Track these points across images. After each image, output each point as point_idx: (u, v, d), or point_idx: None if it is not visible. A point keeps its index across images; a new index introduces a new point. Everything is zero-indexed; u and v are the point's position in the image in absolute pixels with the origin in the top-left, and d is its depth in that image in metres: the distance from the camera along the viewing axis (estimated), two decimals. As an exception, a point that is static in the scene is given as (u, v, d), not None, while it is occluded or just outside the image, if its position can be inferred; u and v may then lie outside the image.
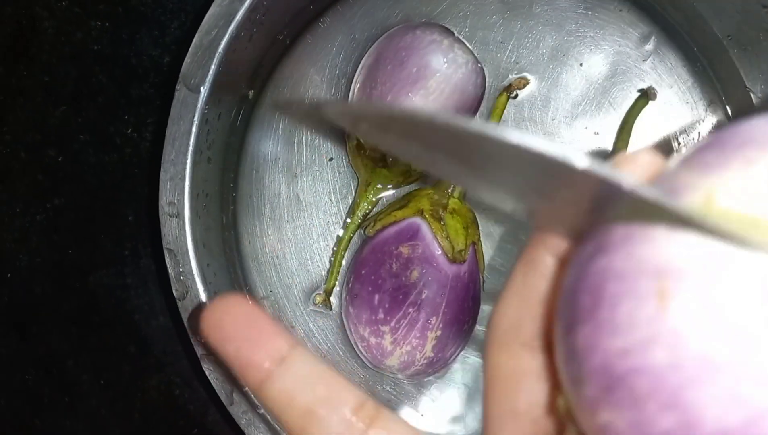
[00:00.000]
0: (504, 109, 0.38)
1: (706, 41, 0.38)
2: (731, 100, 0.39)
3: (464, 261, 0.37)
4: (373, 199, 0.39)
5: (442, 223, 0.37)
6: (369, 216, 0.39)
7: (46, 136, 0.42)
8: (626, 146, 0.39)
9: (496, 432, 0.19)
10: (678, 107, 0.39)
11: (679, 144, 0.40)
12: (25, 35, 0.42)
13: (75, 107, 0.42)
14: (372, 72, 0.37)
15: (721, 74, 0.39)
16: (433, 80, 0.36)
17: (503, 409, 0.19)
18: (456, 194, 0.38)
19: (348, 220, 0.40)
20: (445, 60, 0.36)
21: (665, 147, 0.39)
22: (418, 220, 0.37)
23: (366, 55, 0.38)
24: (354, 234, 0.40)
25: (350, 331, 0.38)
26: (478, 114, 0.39)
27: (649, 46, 0.39)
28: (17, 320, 0.42)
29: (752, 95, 0.37)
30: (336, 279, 0.39)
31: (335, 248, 0.40)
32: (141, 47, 0.42)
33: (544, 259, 0.18)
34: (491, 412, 0.19)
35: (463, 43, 0.37)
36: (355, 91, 0.38)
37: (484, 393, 0.19)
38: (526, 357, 0.18)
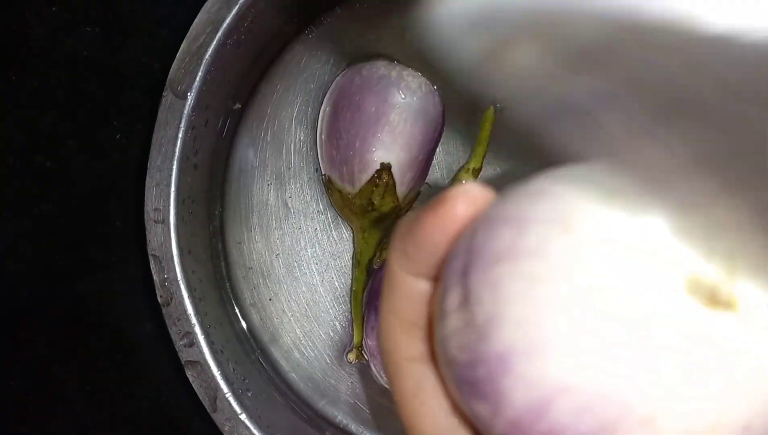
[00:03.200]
0: (493, 122, 0.38)
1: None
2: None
3: None
4: (373, 244, 0.39)
5: None
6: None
7: (35, 141, 0.42)
8: None
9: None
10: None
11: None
12: (14, 40, 0.41)
13: (64, 113, 0.42)
14: (333, 124, 0.38)
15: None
16: (394, 114, 0.36)
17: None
18: None
19: (355, 271, 0.39)
20: (398, 91, 0.37)
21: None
22: None
23: (323, 106, 0.39)
24: (366, 283, 0.39)
25: (373, 363, 0.38)
26: (443, 129, 0.39)
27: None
28: (3, 325, 0.42)
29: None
30: (362, 333, 0.39)
31: (352, 303, 0.40)
32: (131, 54, 0.41)
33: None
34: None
35: (410, 69, 0.38)
36: (323, 145, 0.39)
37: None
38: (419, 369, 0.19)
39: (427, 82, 0.38)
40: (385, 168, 0.37)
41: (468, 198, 0.19)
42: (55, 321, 0.42)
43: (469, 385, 0.17)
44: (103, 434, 0.42)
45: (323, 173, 0.39)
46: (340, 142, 0.37)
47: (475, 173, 0.38)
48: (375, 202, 0.37)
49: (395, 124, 0.36)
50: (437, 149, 0.39)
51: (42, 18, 0.41)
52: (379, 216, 0.38)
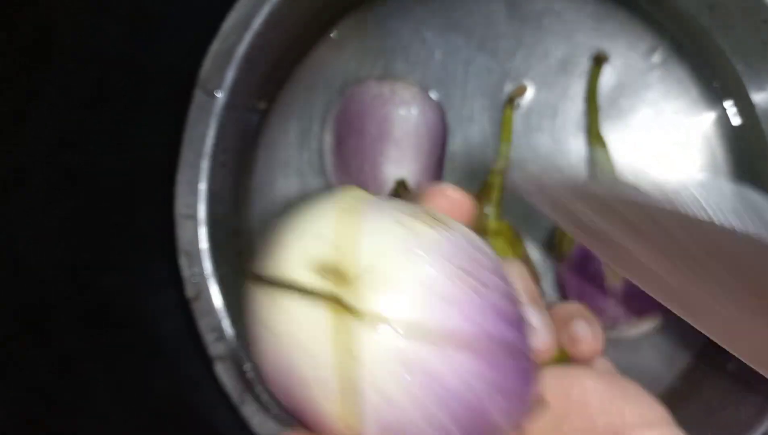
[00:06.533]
0: (511, 121, 0.39)
1: (711, 54, 0.39)
2: (737, 113, 0.39)
3: None
4: None
5: None
6: None
7: (63, 139, 0.42)
8: (596, 112, 0.39)
9: None
10: (685, 119, 0.40)
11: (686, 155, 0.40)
12: (42, 39, 0.42)
13: (92, 111, 0.42)
14: (340, 154, 0.38)
15: (727, 87, 0.39)
16: (396, 130, 0.37)
17: None
18: (492, 215, 0.38)
19: None
20: (394, 107, 0.37)
21: (670, 159, 0.40)
22: None
23: (327, 135, 0.39)
24: None
25: None
26: (447, 131, 0.39)
27: (655, 59, 0.40)
28: (30, 321, 0.43)
29: (755, 108, 0.38)
30: None
31: None
32: (158, 52, 0.42)
33: None
34: None
35: (400, 81, 0.38)
36: (333, 173, 0.39)
37: None
38: None
39: (420, 90, 0.38)
40: (401, 183, 0.37)
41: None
42: (81, 316, 0.42)
43: None
44: (128, 427, 0.43)
45: None
46: (350, 168, 0.38)
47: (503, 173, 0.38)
48: None
49: (399, 139, 0.37)
50: (453, 152, 0.40)
51: (69, 16, 0.42)
52: None
